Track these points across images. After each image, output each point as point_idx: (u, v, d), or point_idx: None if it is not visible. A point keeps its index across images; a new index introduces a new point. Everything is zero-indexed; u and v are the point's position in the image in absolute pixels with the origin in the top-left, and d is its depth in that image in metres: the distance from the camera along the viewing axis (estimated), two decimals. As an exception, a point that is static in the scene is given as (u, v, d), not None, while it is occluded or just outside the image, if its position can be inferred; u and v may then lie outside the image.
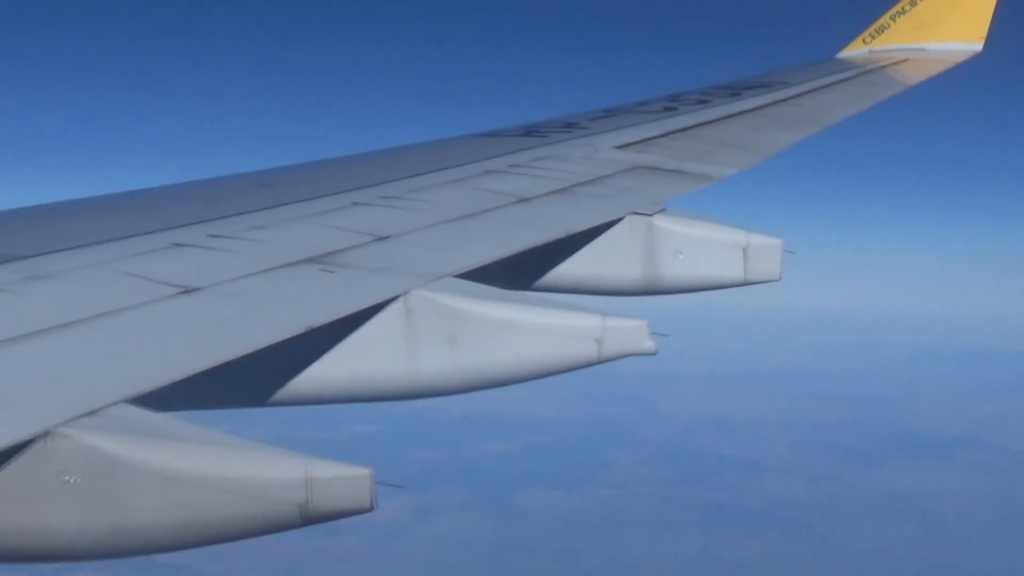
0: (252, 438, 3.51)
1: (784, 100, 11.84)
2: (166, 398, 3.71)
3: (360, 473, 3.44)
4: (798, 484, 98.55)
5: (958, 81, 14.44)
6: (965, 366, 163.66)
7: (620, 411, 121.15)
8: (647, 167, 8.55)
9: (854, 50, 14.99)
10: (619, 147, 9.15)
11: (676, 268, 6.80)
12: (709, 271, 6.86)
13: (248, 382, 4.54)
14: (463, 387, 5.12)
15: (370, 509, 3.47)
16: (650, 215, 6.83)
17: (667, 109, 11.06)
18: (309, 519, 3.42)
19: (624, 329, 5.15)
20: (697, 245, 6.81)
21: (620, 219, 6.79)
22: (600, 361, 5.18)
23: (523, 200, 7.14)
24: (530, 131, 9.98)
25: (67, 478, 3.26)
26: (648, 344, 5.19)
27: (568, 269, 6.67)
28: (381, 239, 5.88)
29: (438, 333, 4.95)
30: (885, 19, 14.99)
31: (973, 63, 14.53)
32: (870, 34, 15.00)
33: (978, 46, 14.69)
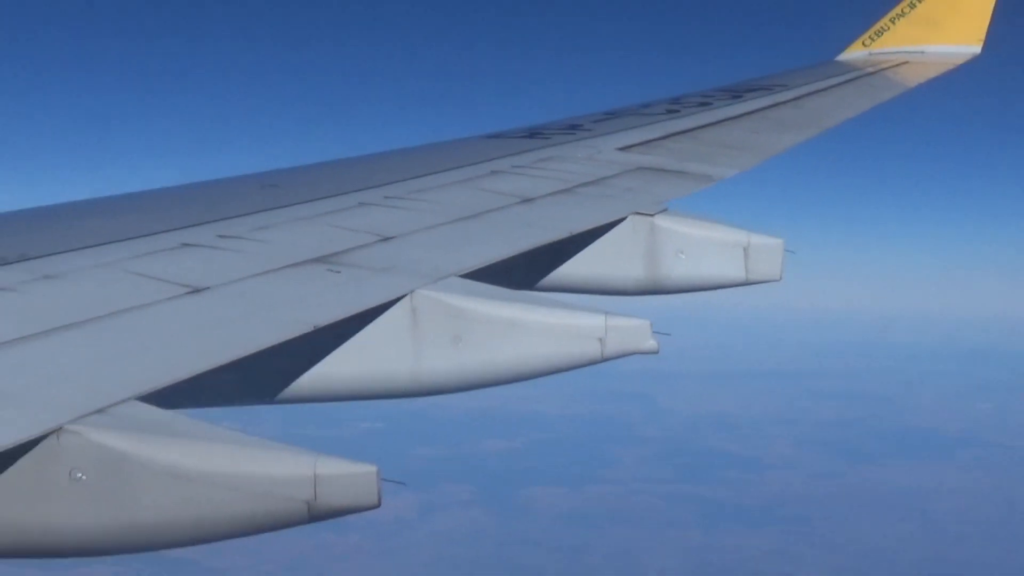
0: (260, 435, 3.52)
1: (784, 102, 11.83)
2: (175, 396, 3.72)
3: (366, 470, 3.44)
4: (799, 481, 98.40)
5: (957, 83, 14.44)
6: (964, 365, 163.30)
7: (622, 409, 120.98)
8: (649, 168, 8.56)
9: (854, 53, 14.97)
10: (621, 148, 9.15)
11: (678, 268, 6.80)
12: (710, 271, 6.86)
13: (255, 380, 4.55)
14: (467, 385, 5.13)
15: (376, 506, 3.47)
16: (652, 215, 6.83)
17: (669, 111, 11.06)
18: (316, 515, 3.43)
19: (626, 328, 5.16)
20: (699, 245, 6.81)
21: (622, 219, 6.79)
22: (603, 360, 5.19)
23: (527, 201, 7.14)
24: (534, 133, 9.99)
25: (78, 475, 3.27)
26: (650, 343, 5.19)
27: (571, 269, 6.67)
28: (386, 239, 5.89)
29: (443, 332, 4.96)
30: (884, 22, 14.97)
31: (972, 65, 14.52)
32: (869, 37, 14.98)
33: (977, 48, 14.67)
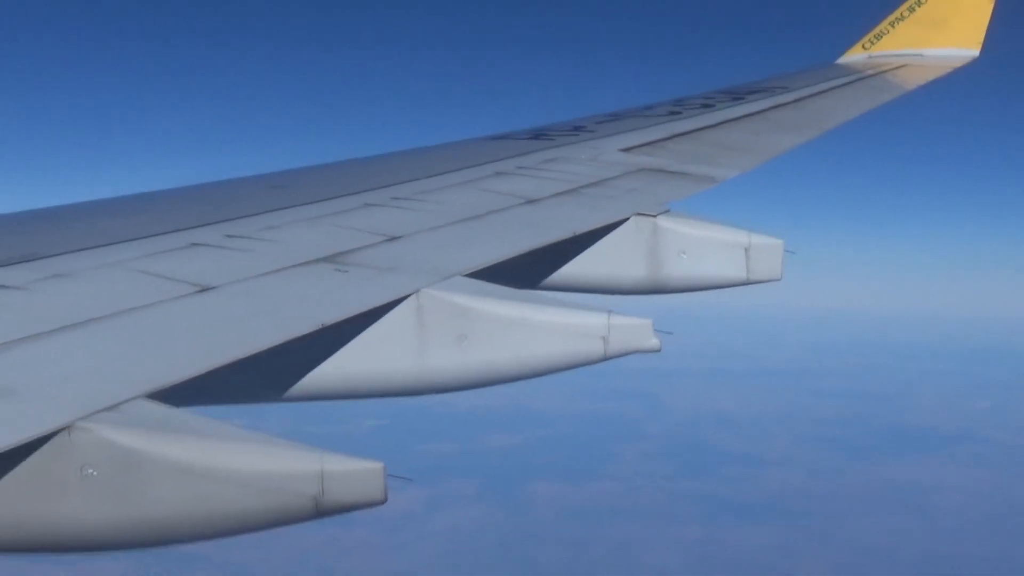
0: (267, 433, 3.52)
1: (785, 104, 11.82)
2: (184, 393, 3.72)
3: (372, 467, 3.44)
4: (798, 478, 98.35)
5: (955, 86, 14.43)
6: (963, 364, 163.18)
7: (625, 406, 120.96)
8: (652, 169, 8.55)
9: (854, 55, 14.97)
10: (624, 150, 9.15)
11: (680, 268, 6.79)
12: (712, 271, 6.85)
13: (263, 378, 4.55)
14: (472, 383, 5.13)
15: (382, 502, 3.47)
16: (654, 216, 6.82)
17: (671, 113, 11.06)
18: (323, 511, 3.42)
19: (629, 327, 5.15)
20: (700, 245, 6.80)
21: (625, 220, 6.78)
22: (605, 358, 5.19)
23: (531, 201, 7.14)
24: (538, 134, 9.99)
25: (88, 471, 3.27)
26: (652, 341, 5.19)
27: (574, 269, 6.66)
28: (393, 239, 5.88)
29: (448, 331, 4.96)
30: (884, 25, 14.97)
31: (970, 68, 14.51)
32: (869, 40, 14.98)
33: (975, 52, 14.67)
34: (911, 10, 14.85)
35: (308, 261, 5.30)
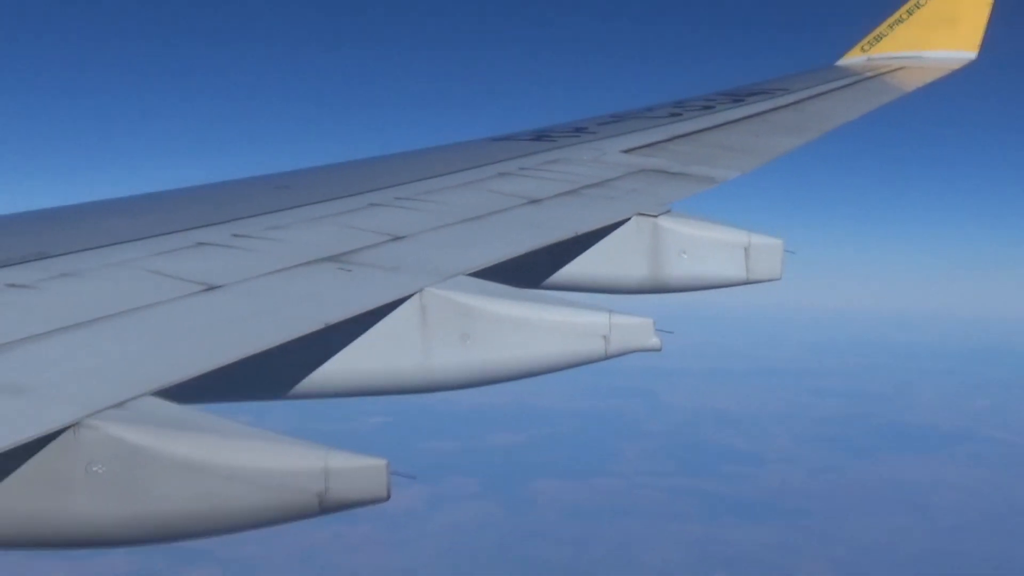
0: (272, 430, 3.52)
1: (785, 106, 11.82)
2: (190, 391, 3.72)
3: (376, 464, 3.44)
4: (798, 476, 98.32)
5: (954, 87, 14.41)
6: (961, 363, 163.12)
7: (626, 404, 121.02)
8: (653, 170, 8.55)
9: (853, 58, 14.96)
10: (626, 151, 9.14)
11: (680, 267, 6.79)
12: (712, 270, 6.85)
13: (268, 376, 4.55)
14: (475, 381, 5.13)
15: (386, 498, 3.47)
16: (655, 216, 6.82)
17: (672, 115, 11.05)
18: (327, 508, 3.42)
19: (630, 326, 5.15)
20: (701, 245, 6.80)
21: (627, 220, 6.78)
22: (607, 357, 5.19)
23: (533, 201, 7.14)
24: (540, 135, 9.98)
25: (95, 467, 3.27)
26: (653, 340, 5.19)
27: (576, 268, 6.66)
28: (397, 239, 5.88)
29: (451, 329, 4.96)
30: (883, 28, 14.96)
31: (968, 70, 14.50)
32: (868, 42, 14.97)
33: (972, 54, 14.66)
34: (909, 13, 14.84)
35: (313, 260, 5.30)
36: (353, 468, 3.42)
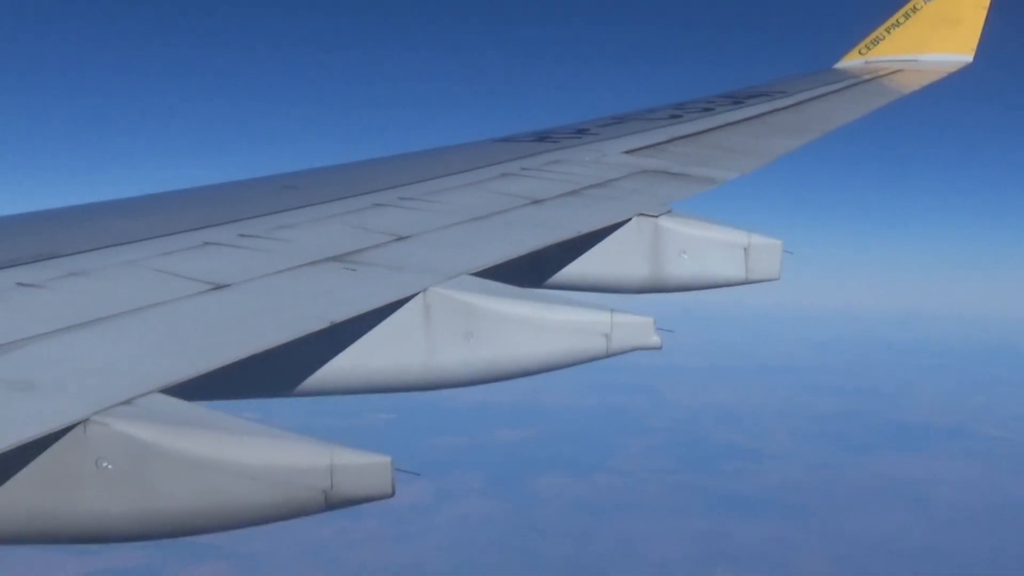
0: (278, 427, 3.52)
1: (784, 108, 11.81)
2: (197, 388, 3.72)
3: (381, 460, 3.44)
4: (797, 472, 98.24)
5: (950, 90, 14.41)
6: (957, 360, 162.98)
7: (627, 401, 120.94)
8: (654, 171, 8.54)
9: (851, 61, 14.95)
10: (627, 152, 9.13)
11: (681, 267, 6.79)
12: (712, 270, 6.84)
13: (275, 374, 4.55)
14: (479, 379, 5.13)
15: (390, 495, 3.47)
16: (656, 216, 6.82)
17: (673, 116, 11.04)
18: (333, 504, 3.42)
19: (631, 325, 5.15)
20: (701, 245, 6.80)
21: (628, 220, 6.78)
22: (609, 355, 5.19)
23: (536, 202, 7.14)
24: (543, 137, 9.97)
25: (104, 464, 3.28)
26: (654, 339, 5.19)
27: (578, 268, 6.66)
28: (401, 239, 5.88)
29: (455, 328, 4.96)
30: (880, 31, 14.96)
31: (963, 73, 14.50)
32: (866, 45, 14.97)
33: (968, 57, 14.67)
34: (906, 17, 14.84)
35: (319, 260, 5.30)
36: (358, 465, 3.42)
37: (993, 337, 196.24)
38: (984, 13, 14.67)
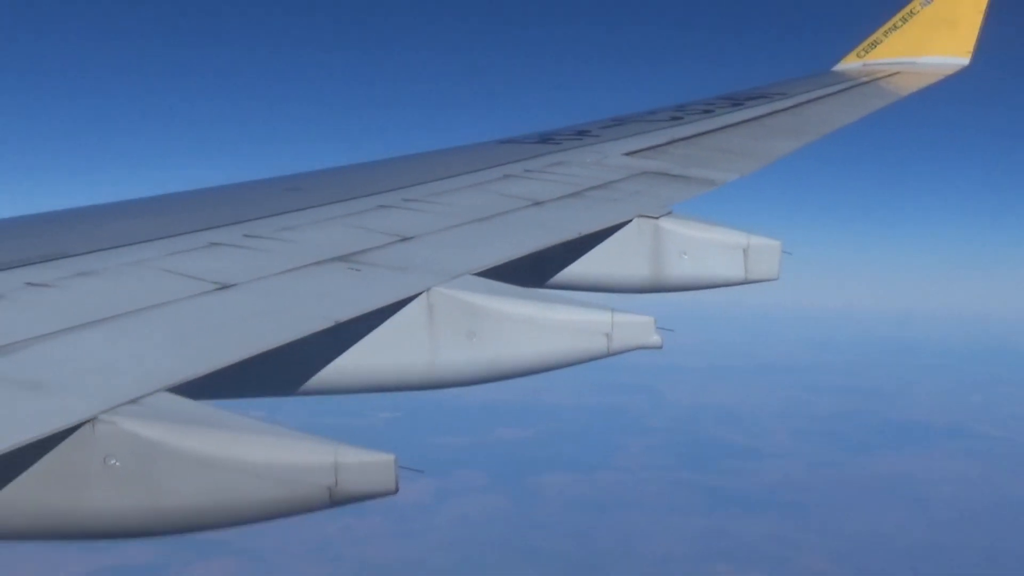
0: (283, 425, 3.53)
1: (783, 110, 11.80)
2: (204, 387, 3.73)
3: (384, 458, 3.45)
4: (796, 470, 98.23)
5: (947, 92, 14.42)
6: (955, 360, 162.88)
7: (628, 400, 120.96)
8: (654, 173, 8.54)
9: (849, 63, 14.95)
10: (628, 154, 9.13)
11: (681, 268, 6.79)
12: (712, 270, 6.84)
13: (280, 373, 4.56)
14: (481, 378, 5.13)
15: (394, 492, 3.48)
16: (657, 218, 6.82)
17: (673, 118, 11.04)
18: (337, 501, 3.43)
19: (632, 324, 5.16)
20: (701, 246, 6.80)
21: (628, 221, 6.77)
22: (609, 354, 5.19)
23: (538, 203, 7.14)
24: (545, 139, 9.97)
25: (111, 462, 3.28)
26: (654, 338, 5.19)
27: (579, 268, 6.66)
28: (405, 239, 5.89)
29: (458, 328, 4.96)
30: (878, 35, 14.96)
31: (961, 75, 14.51)
32: (864, 48, 14.97)
33: (965, 60, 14.68)
34: (904, 20, 14.85)
35: (323, 260, 5.30)
36: (362, 463, 3.43)
37: (992, 337, 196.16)
38: (981, 16, 14.68)
